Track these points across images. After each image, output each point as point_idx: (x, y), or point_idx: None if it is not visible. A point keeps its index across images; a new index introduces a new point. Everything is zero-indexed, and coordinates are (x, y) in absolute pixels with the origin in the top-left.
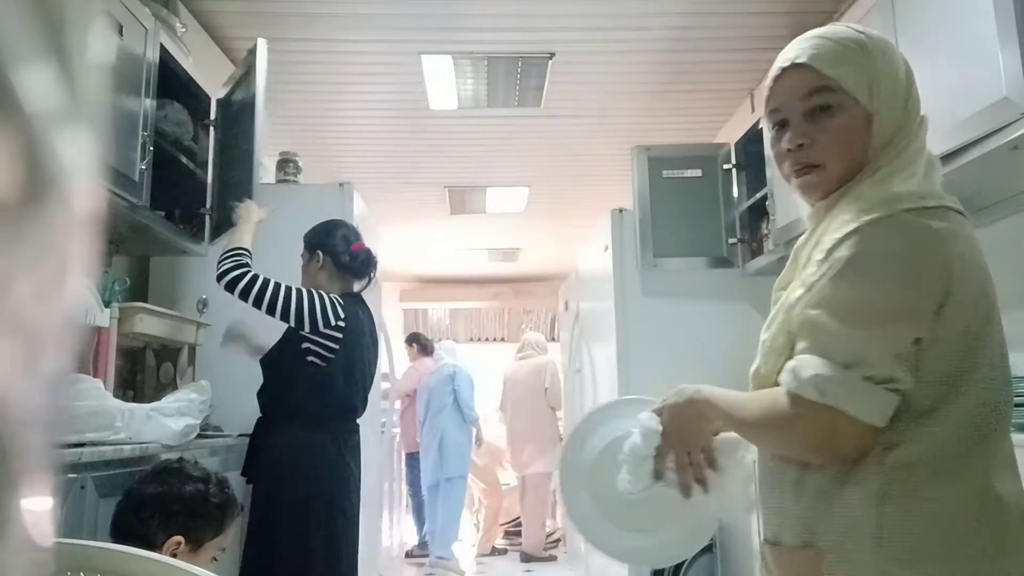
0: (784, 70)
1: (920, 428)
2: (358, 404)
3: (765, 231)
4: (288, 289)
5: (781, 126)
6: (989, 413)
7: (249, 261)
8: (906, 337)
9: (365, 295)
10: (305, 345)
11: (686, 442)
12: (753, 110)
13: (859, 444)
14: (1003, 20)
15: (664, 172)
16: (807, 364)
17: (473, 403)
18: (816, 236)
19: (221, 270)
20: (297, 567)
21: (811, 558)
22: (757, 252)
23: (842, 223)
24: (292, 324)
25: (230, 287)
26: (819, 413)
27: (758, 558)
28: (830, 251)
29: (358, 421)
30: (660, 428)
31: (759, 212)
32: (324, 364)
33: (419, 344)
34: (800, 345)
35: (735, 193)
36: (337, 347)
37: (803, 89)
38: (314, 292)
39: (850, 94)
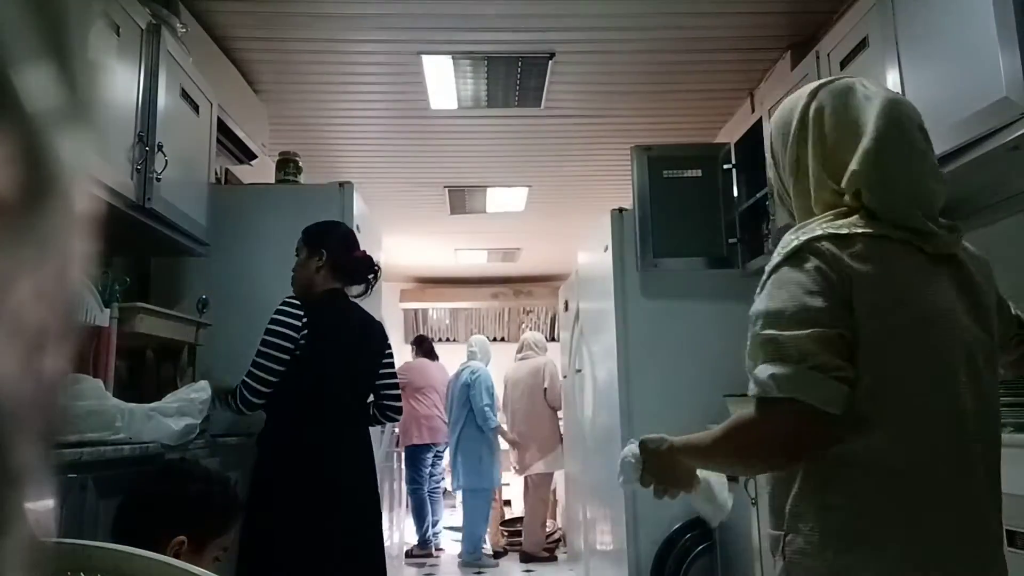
0: None
1: (859, 426)
2: (338, 397)
3: (765, 231)
4: (259, 353)
5: None
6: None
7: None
8: (831, 330)
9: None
10: None
11: (660, 479)
12: (753, 110)
13: (823, 435)
14: (1003, 20)
15: (664, 172)
16: (760, 369)
17: (489, 411)
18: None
19: (234, 406)
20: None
21: (778, 540)
22: (757, 252)
23: (770, 261)
24: (290, 359)
25: (248, 405)
26: (782, 409)
27: (757, 555)
28: (762, 284)
29: (352, 418)
30: (640, 461)
31: (759, 212)
32: (291, 359)
33: (418, 346)
34: (753, 358)
35: (735, 193)
36: (302, 342)
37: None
38: (272, 326)
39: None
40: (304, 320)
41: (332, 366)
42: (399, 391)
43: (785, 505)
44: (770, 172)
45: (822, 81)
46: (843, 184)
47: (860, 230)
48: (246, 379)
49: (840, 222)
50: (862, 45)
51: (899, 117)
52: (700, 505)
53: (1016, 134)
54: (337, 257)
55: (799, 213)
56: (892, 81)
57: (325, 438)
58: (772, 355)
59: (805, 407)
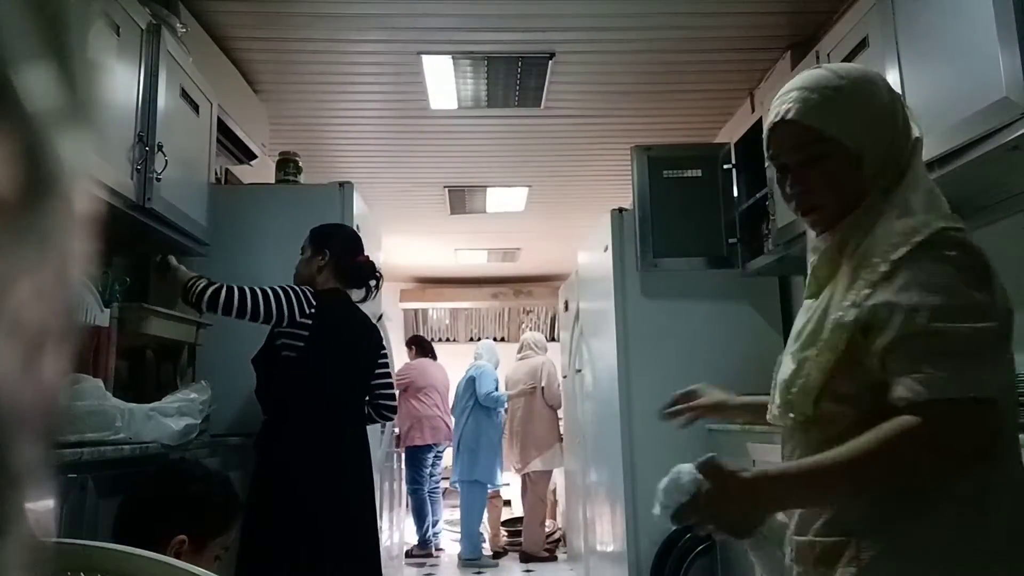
0: (776, 125)
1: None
2: (338, 395)
3: (765, 231)
4: (258, 289)
5: (782, 170)
6: (1010, 412)
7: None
8: (1008, 332)
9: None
10: (280, 341)
11: (720, 515)
12: (753, 110)
13: (990, 438)
14: (1003, 20)
15: (664, 172)
16: (943, 367)
17: (496, 393)
18: (851, 261)
19: (196, 292)
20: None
21: (845, 546)
22: (757, 252)
23: (890, 247)
24: (266, 320)
25: (212, 305)
26: (963, 409)
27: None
28: (893, 270)
29: (353, 415)
30: (692, 492)
31: (759, 212)
32: (296, 355)
33: (418, 346)
34: (913, 358)
35: (735, 193)
36: (307, 335)
37: (794, 142)
38: (284, 287)
39: (836, 140)
40: (312, 311)
41: (334, 365)
42: (394, 391)
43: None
44: (842, 135)
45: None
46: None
47: (957, 225)
48: (230, 288)
49: (938, 214)
50: (862, 45)
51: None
52: (762, 557)
53: (1016, 134)
54: (340, 258)
55: (880, 188)
56: (892, 81)
57: (326, 437)
58: (955, 350)
59: (996, 408)
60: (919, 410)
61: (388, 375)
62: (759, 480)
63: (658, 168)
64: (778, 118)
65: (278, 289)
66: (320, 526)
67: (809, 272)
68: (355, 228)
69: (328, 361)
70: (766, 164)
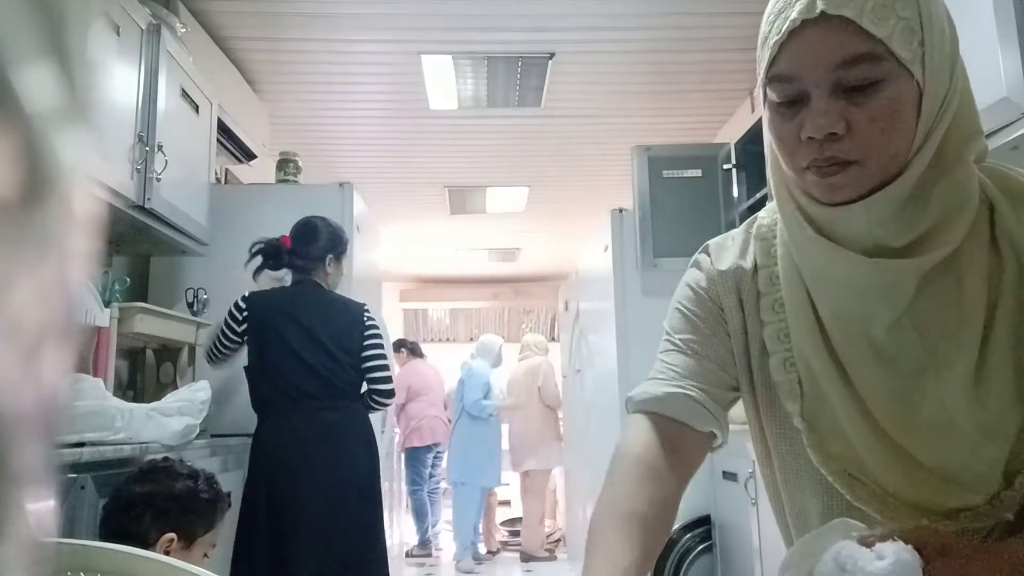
0: (807, 23)
1: None
2: (288, 386)
3: None
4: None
5: (793, 103)
6: None
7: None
8: None
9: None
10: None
11: None
12: (753, 110)
13: None
14: (1003, 20)
15: (664, 172)
16: None
17: (484, 402)
18: (978, 261)
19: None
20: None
21: None
22: None
23: None
24: (232, 346)
25: (210, 362)
26: None
27: (757, 555)
28: None
29: (318, 402)
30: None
31: None
32: (248, 360)
33: (409, 350)
34: None
35: (735, 193)
36: (245, 338)
37: (839, 55)
38: (224, 318)
39: (902, 62)
40: (244, 315)
41: (274, 357)
42: (384, 374)
43: None
44: (905, 54)
45: None
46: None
47: None
48: (207, 348)
49: None
50: None
51: None
52: None
53: (1016, 134)
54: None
55: (955, 143)
56: None
57: (287, 430)
58: None
59: None
60: None
61: (377, 357)
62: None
63: (658, 168)
64: (816, 11)
65: (223, 321)
66: (287, 524)
67: (890, 281)
68: (355, 228)
69: (267, 355)
70: (766, 160)
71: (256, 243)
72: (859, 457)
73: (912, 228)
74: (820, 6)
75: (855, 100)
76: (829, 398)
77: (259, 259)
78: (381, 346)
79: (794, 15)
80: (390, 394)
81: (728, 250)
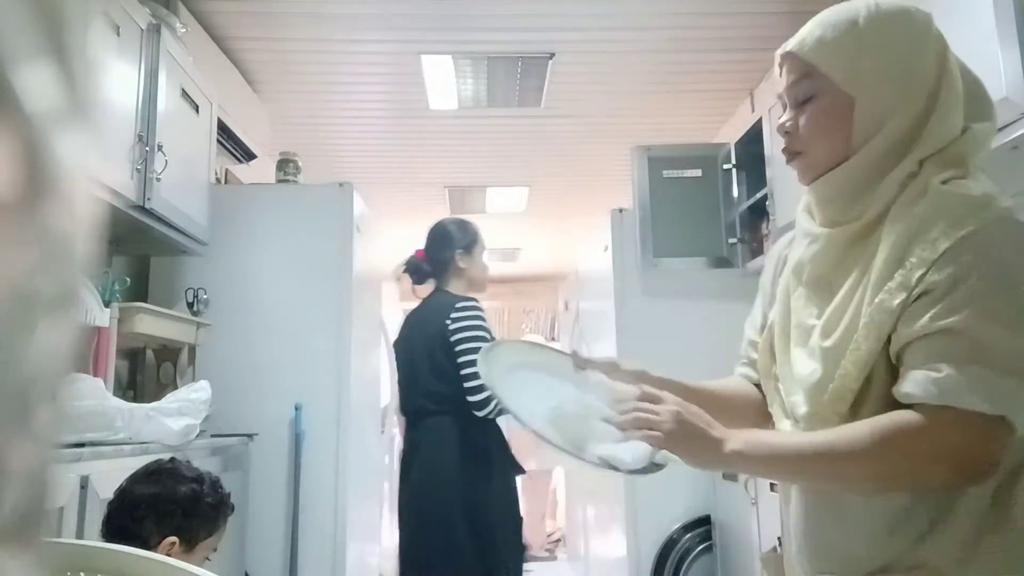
0: (783, 57)
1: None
2: (402, 400)
3: (765, 231)
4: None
5: (784, 109)
6: None
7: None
8: None
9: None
10: None
11: (678, 449)
12: (753, 110)
13: (1002, 457)
14: (1003, 20)
15: (664, 172)
16: (965, 373)
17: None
18: (893, 234)
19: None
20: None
21: None
22: (757, 252)
23: (954, 219)
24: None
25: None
26: (973, 424)
27: (757, 555)
28: (950, 255)
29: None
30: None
31: (759, 212)
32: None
33: None
34: (935, 356)
35: (735, 193)
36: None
37: (791, 77)
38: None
39: (829, 80)
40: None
41: (402, 374)
42: (473, 383)
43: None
44: (834, 74)
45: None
46: (956, 140)
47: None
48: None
49: (992, 188)
50: None
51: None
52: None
53: (1016, 134)
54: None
55: (890, 145)
56: None
57: (411, 439)
58: (982, 357)
59: (1008, 427)
60: (926, 412)
61: (462, 366)
62: (735, 461)
63: (658, 168)
64: (784, 50)
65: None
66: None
67: (814, 247)
68: (355, 228)
69: (399, 376)
70: (766, 160)
71: (401, 264)
72: (781, 374)
73: (853, 209)
74: (785, 48)
75: (802, 109)
76: (780, 342)
77: (412, 279)
78: (466, 351)
79: (777, 54)
80: (481, 404)
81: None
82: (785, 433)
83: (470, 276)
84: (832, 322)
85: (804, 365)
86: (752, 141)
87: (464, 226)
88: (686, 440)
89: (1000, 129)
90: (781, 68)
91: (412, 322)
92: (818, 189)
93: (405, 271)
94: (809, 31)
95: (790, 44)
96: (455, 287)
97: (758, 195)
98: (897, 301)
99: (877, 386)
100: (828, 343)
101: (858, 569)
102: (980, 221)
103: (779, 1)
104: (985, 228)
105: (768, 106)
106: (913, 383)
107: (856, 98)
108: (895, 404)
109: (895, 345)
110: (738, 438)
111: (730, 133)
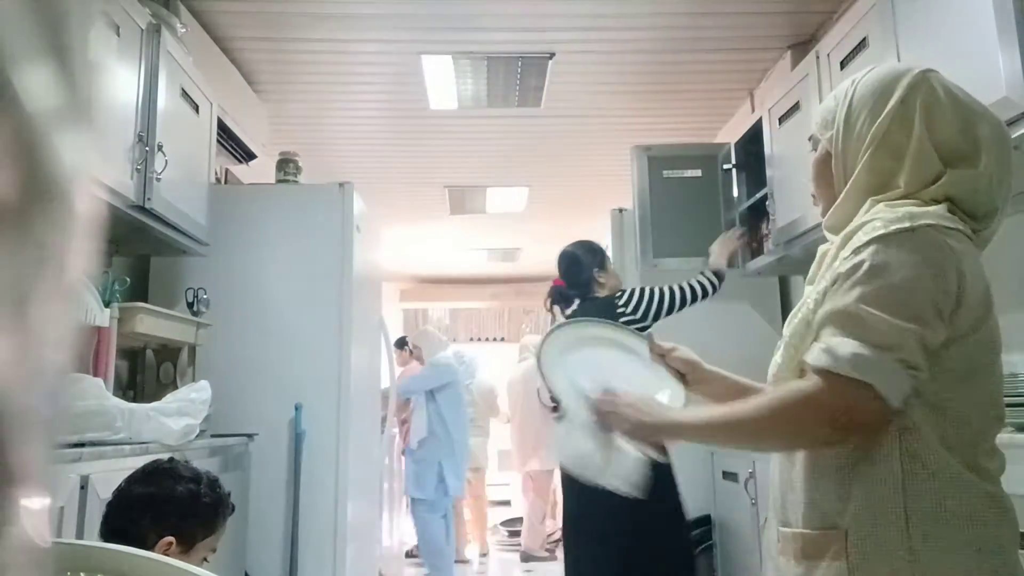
0: None
1: (935, 417)
2: None
3: (765, 231)
4: None
5: None
6: (990, 411)
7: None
8: (936, 334)
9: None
10: None
11: (628, 431)
12: (753, 110)
13: (874, 422)
14: (1003, 20)
15: (664, 172)
16: (843, 344)
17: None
18: (841, 242)
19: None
20: None
21: (833, 539)
22: (757, 252)
23: (871, 229)
24: None
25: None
26: (848, 388)
27: (757, 555)
28: (858, 251)
29: None
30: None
31: (759, 212)
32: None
33: (407, 348)
34: (830, 331)
35: (735, 193)
36: None
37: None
38: None
39: (820, 139)
40: None
41: None
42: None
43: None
44: (821, 136)
45: (922, 68)
46: (937, 183)
47: (960, 227)
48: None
49: (940, 212)
50: (862, 45)
51: (1007, 141)
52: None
53: (1016, 134)
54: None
55: (859, 191)
56: None
57: None
58: (859, 333)
59: (872, 393)
60: (813, 377)
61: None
62: (664, 428)
63: (658, 168)
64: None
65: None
66: None
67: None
68: (355, 228)
69: None
70: (766, 160)
71: (547, 299)
72: None
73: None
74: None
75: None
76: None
77: (558, 307)
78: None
79: None
80: None
81: None
82: (710, 407)
83: (610, 286)
84: (793, 315)
85: (776, 355)
86: (752, 141)
87: (590, 247)
88: (634, 424)
89: None
90: None
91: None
92: (824, 225)
93: (553, 303)
94: (821, 105)
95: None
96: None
97: (758, 195)
98: (819, 291)
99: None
100: (788, 330)
101: (807, 524)
102: (887, 229)
103: (779, 1)
104: (889, 234)
105: (768, 106)
106: (809, 353)
107: (832, 151)
108: None
109: (815, 328)
110: (670, 416)
111: (730, 133)
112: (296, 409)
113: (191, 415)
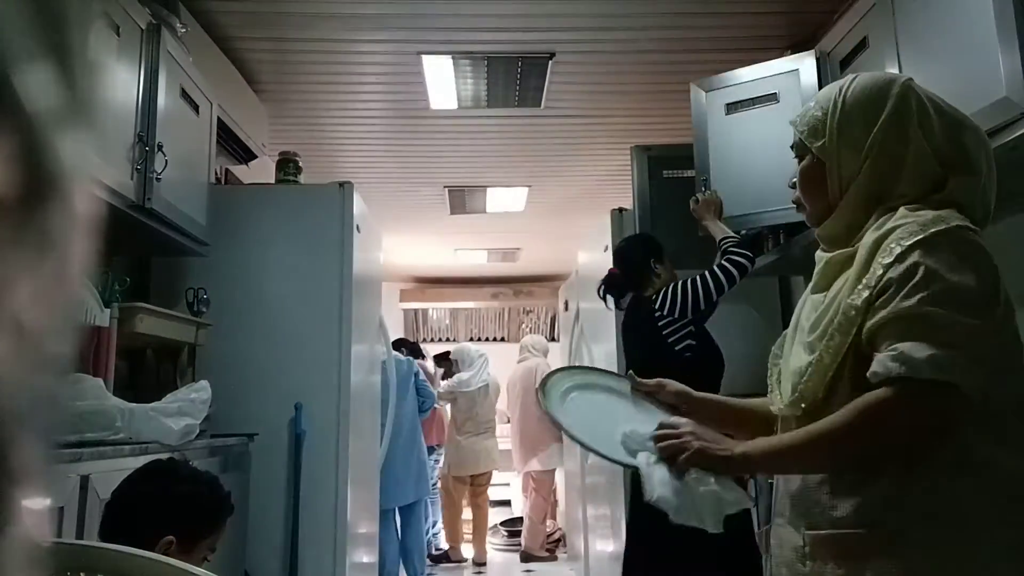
0: (792, 125)
1: (983, 411)
2: None
3: (765, 231)
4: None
5: None
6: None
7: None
8: (993, 328)
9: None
10: None
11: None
12: None
13: (961, 420)
14: (1003, 20)
15: (664, 172)
16: (916, 348)
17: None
18: (871, 249)
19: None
20: None
21: (882, 538)
22: (757, 253)
23: (907, 233)
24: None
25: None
26: (933, 391)
27: (786, 547)
28: (902, 256)
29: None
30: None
31: None
32: None
33: (406, 349)
34: (894, 337)
35: None
36: None
37: (793, 144)
38: None
39: (809, 149)
40: None
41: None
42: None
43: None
44: (811, 145)
45: (905, 77)
46: (943, 190)
47: (976, 228)
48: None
49: (959, 215)
50: (862, 45)
51: (990, 146)
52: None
53: (1016, 134)
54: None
55: (860, 199)
56: None
57: None
58: (930, 335)
59: (958, 393)
60: (889, 386)
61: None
62: (742, 463)
63: (658, 168)
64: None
65: None
66: None
67: (819, 267)
68: (355, 228)
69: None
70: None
71: (599, 286)
72: (782, 368)
73: (848, 244)
74: (792, 120)
75: (800, 167)
76: (787, 341)
77: (611, 297)
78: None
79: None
80: None
81: None
82: (780, 435)
83: (664, 279)
84: (817, 321)
85: (796, 357)
86: None
87: (642, 239)
88: (702, 455)
89: (1000, 129)
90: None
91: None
92: (820, 233)
93: (605, 292)
94: (806, 108)
95: (795, 117)
96: (650, 292)
97: None
98: (862, 299)
99: (847, 374)
100: (811, 337)
101: (852, 524)
102: (926, 232)
103: (779, 1)
104: (929, 237)
105: None
106: (878, 363)
107: (826, 163)
108: (864, 391)
109: (866, 336)
110: (743, 446)
111: None
112: (296, 409)
113: (191, 415)
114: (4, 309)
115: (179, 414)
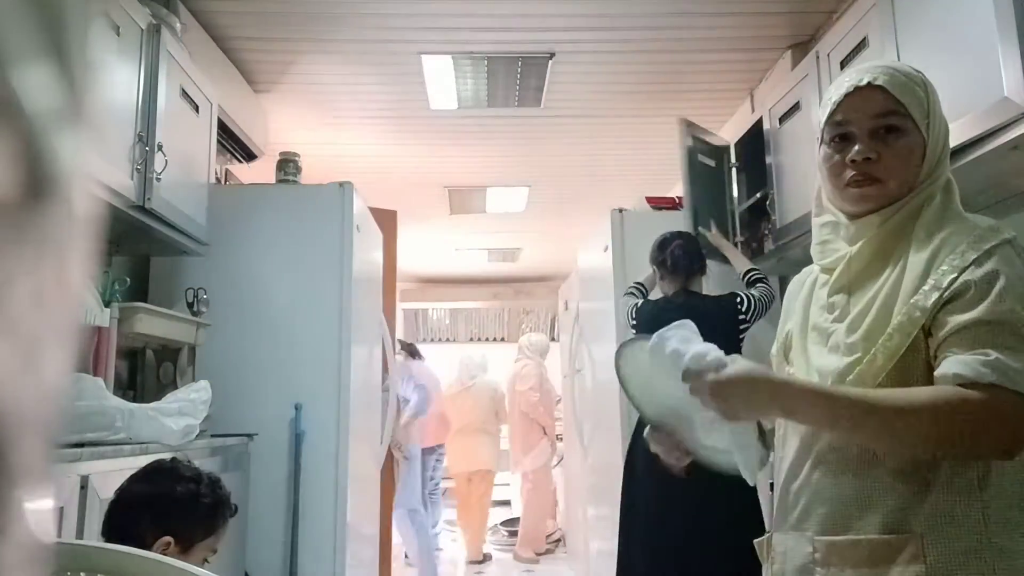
0: (858, 88)
1: None
2: None
3: (765, 231)
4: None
5: (843, 139)
6: None
7: None
8: None
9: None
10: None
11: (719, 399)
12: (753, 110)
13: None
14: (1003, 20)
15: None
16: (1014, 359)
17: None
18: (925, 247)
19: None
20: None
21: (907, 542)
22: (757, 252)
23: (977, 238)
24: None
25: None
26: (1022, 404)
27: (794, 555)
28: (979, 261)
29: None
30: (713, 367)
31: (759, 212)
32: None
33: (404, 350)
34: (980, 342)
35: (735, 193)
36: None
37: (876, 108)
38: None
39: (914, 121)
40: (634, 322)
41: None
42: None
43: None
44: (920, 122)
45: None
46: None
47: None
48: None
49: (993, 221)
50: (862, 45)
51: None
52: (743, 447)
53: (1016, 134)
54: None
55: (936, 189)
56: None
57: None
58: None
59: None
60: (980, 390)
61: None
62: (782, 394)
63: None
64: (863, 82)
65: None
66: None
67: (840, 266)
68: (355, 228)
69: None
70: (766, 160)
71: (671, 244)
72: (796, 369)
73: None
74: (867, 79)
75: (885, 140)
76: (796, 344)
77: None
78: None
79: (850, 82)
80: None
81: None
82: (846, 388)
83: (701, 282)
84: (856, 322)
85: (824, 358)
86: (752, 141)
87: (695, 241)
88: (749, 387)
89: (1000, 129)
90: (851, 97)
91: (661, 317)
92: (885, 214)
93: (679, 257)
94: (889, 73)
95: (878, 79)
96: (696, 288)
97: (758, 195)
98: (931, 300)
99: (893, 375)
100: (853, 338)
101: (874, 530)
102: (998, 240)
103: (779, 1)
104: (1001, 245)
105: (768, 106)
106: (963, 365)
107: (928, 143)
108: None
109: (936, 335)
110: (798, 381)
111: (730, 133)
112: (296, 409)
113: (191, 415)
114: (4, 309)
115: (179, 414)
